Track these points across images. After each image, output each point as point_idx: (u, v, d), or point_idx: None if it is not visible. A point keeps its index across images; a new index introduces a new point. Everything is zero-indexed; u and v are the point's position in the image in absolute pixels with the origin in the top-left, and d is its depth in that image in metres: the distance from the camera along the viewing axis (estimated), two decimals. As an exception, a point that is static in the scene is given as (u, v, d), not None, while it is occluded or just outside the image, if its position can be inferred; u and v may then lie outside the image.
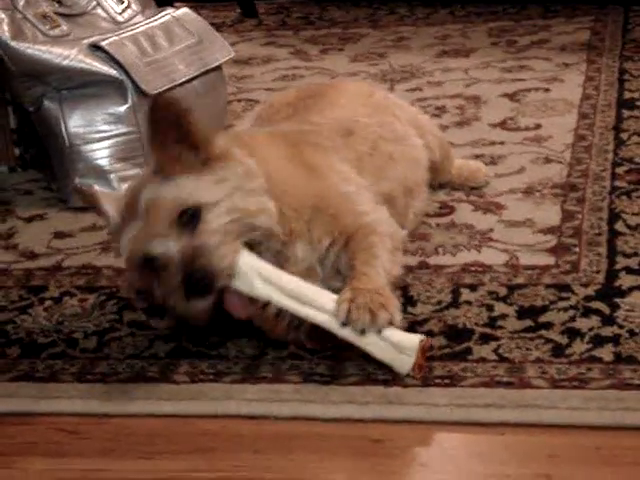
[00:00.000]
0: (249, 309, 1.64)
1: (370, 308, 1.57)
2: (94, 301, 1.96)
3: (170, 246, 1.58)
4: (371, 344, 1.58)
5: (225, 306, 1.62)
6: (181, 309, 1.60)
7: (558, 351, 1.64)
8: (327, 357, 1.69)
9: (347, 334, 1.58)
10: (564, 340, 1.67)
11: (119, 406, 1.64)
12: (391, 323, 1.57)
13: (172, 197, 1.60)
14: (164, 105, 1.61)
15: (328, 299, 1.61)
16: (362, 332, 1.57)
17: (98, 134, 2.38)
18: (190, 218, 1.60)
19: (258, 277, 1.60)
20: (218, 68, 2.68)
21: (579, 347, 1.64)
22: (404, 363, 1.59)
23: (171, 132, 1.61)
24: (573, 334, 1.68)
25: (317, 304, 1.60)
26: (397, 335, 1.59)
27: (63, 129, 2.38)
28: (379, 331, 1.57)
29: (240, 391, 1.63)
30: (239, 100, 3.07)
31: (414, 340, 1.59)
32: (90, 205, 1.74)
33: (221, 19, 4.09)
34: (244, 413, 1.59)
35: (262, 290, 1.61)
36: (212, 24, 3.44)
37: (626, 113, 2.62)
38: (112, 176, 2.39)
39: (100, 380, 1.70)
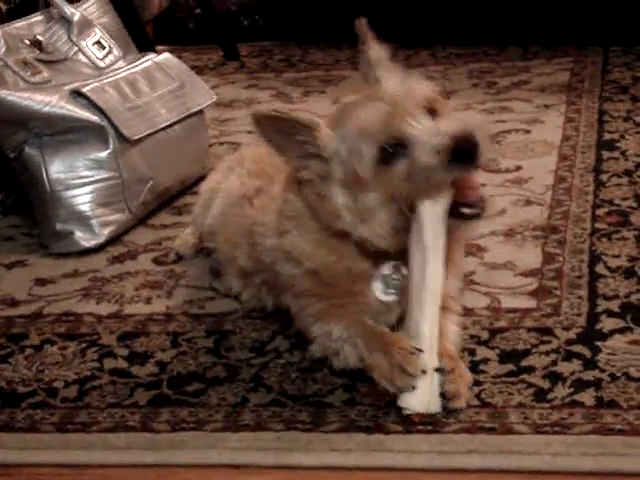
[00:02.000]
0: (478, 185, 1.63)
1: None
2: (75, 349, 1.94)
3: (426, 122, 1.58)
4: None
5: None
6: (437, 175, 1.55)
7: (540, 396, 1.64)
8: (309, 404, 1.69)
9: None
10: (546, 384, 1.67)
11: (99, 456, 1.62)
12: None
13: (415, 87, 1.63)
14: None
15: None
16: None
17: (79, 180, 2.38)
18: (430, 111, 1.62)
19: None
20: (200, 112, 2.70)
21: (561, 391, 1.64)
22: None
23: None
24: (555, 378, 1.68)
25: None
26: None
27: (44, 175, 2.38)
28: None
29: (222, 440, 1.62)
30: (221, 143, 3.07)
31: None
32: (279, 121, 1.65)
33: (203, 62, 4.11)
34: (226, 462, 1.58)
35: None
36: (194, 67, 3.47)
37: (606, 154, 2.64)
38: (94, 221, 2.38)
39: (80, 430, 1.68)
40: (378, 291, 1.74)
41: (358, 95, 1.66)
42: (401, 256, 1.68)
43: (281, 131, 1.62)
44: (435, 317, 1.64)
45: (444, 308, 1.75)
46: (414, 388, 1.60)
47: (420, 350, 1.60)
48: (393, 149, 1.59)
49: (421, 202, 1.60)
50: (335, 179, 1.65)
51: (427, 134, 1.57)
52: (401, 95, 1.61)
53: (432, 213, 1.60)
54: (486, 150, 1.56)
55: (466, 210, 1.62)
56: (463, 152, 1.54)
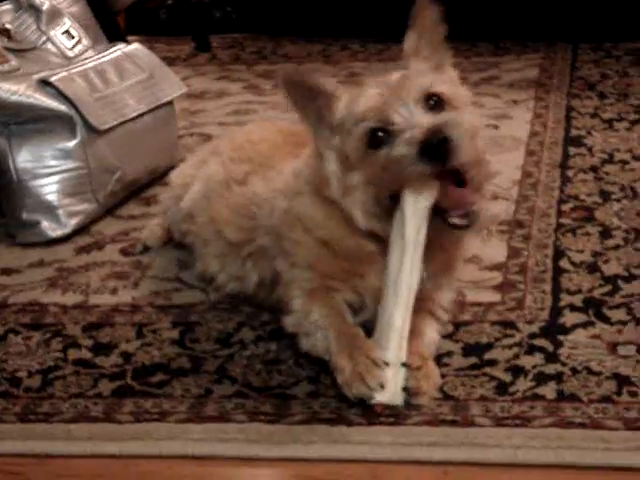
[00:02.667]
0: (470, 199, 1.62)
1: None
2: (39, 339, 1.94)
3: (416, 113, 1.60)
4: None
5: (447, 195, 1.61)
6: (408, 167, 1.57)
7: (502, 389, 1.65)
8: (273, 395, 1.69)
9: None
10: (508, 378, 1.68)
11: (62, 447, 1.62)
12: None
13: (419, 77, 1.64)
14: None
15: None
16: None
17: (46, 169, 2.37)
18: (435, 103, 1.63)
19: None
20: (169, 103, 2.69)
21: (523, 385, 1.65)
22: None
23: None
24: (517, 372, 1.69)
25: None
26: None
27: (11, 164, 2.36)
28: None
29: (185, 431, 1.62)
30: (191, 134, 3.07)
31: None
32: (303, 85, 1.68)
33: (175, 53, 4.10)
34: (189, 453, 1.58)
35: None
36: (166, 58, 3.45)
37: (572, 150, 2.66)
38: (60, 211, 2.37)
39: (43, 420, 1.68)
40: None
41: (373, 78, 1.70)
42: None
43: (303, 92, 1.67)
44: (409, 309, 1.65)
45: (431, 315, 1.77)
46: (370, 399, 1.61)
47: (386, 364, 1.62)
48: (381, 135, 1.62)
49: (404, 193, 1.61)
50: (334, 148, 1.69)
51: (407, 125, 1.59)
52: (401, 84, 1.64)
53: (415, 207, 1.62)
54: (460, 149, 1.56)
55: (452, 219, 1.63)
56: (432, 146, 1.55)
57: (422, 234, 1.64)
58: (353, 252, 1.75)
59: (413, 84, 1.64)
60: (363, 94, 1.66)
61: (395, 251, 1.65)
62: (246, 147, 2.06)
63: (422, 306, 1.74)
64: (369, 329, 1.71)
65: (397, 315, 1.64)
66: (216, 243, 2.00)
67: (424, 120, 1.59)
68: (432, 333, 1.76)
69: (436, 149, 1.56)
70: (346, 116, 1.67)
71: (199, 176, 2.12)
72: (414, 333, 1.70)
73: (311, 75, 1.67)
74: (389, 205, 1.66)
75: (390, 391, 1.62)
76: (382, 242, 1.70)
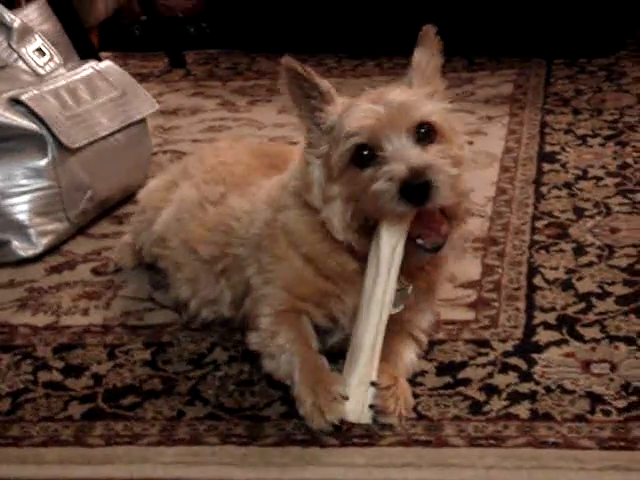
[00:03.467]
0: (444, 230, 1.62)
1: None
2: (9, 361, 1.91)
3: (405, 145, 1.59)
4: None
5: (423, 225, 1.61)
6: (386, 203, 1.56)
7: (476, 408, 1.64)
8: (246, 417, 1.68)
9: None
10: (482, 397, 1.67)
11: (32, 471, 1.60)
12: None
13: (416, 105, 1.63)
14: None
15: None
16: None
17: (17, 188, 2.35)
18: (425, 134, 1.62)
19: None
20: (142, 121, 2.68)
21: (496, 404, 1.65)
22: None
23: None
24: (491, 391, 1.69)
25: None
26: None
27: (-19, 183, 2.34)
28: None
29: (157, 454, 1.61)
30: (165, 152, 3.05)
31: None
32: (301, 78, 1.67)
33: (149, 69, 4.08)
34: (161, 477, 1.56)
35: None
36: (140, 74, 3.45)
37: (546, 166, 2.67)
38: (31, 231, 2.35)
39: (13, 444, 1.66)
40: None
41: (373, 93, 1.69)
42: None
43: (302, 87, 1.67)
44: (380, 330, 1.64)
45: (410, 337, 1.77)
46: (329, 432, 1.60)
47: (346, 398, 1.61)
48: (367, 154, 1.62)
49: (381, 226, 1.61)
50: (321, 155, 1.68)
51: (394, 157, 1.58)
52: (398, 108, 1.62)
53: (390, 230, 1.62)
54: (441, 193, 1.55)
55: (422, 242, 1.62)
56: (413, 188, 1.55)
57: (397, 256, 1.63)
58: (335, 271, 1.74)
59: (410, 112, 1.62)
60: (360, 108, 1.64)
61: (370, 272, 1.65)
62: (219, 168, 2.05)
63: (402, 328, 1.74)
64: (342, 350, 1.70)
65: (367, 335, 1.64)
66: (189, 266, 1.98)
67: (412, 154, 1.59)
68: (410, 354, 1.76)
69: (416, 191, 1.55)
70: (338, 124, 1.65)
71: (171, 199, 2.10)
72: (391, 354, 1.69)
73: (311, 72, 1.67)
74: (363, 223, 1.65)
75: (357, 410, 1.61)
76: (364, 261, 1.69)
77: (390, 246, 1.62)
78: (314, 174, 1.69)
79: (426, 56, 1.72)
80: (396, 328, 1.69)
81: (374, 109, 1.63)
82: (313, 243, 1.74)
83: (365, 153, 1.62)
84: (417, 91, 1.68)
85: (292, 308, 1.75)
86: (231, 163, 2.06)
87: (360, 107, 1.65)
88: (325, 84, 1.68)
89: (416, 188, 1.55)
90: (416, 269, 1.72)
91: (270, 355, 1.73)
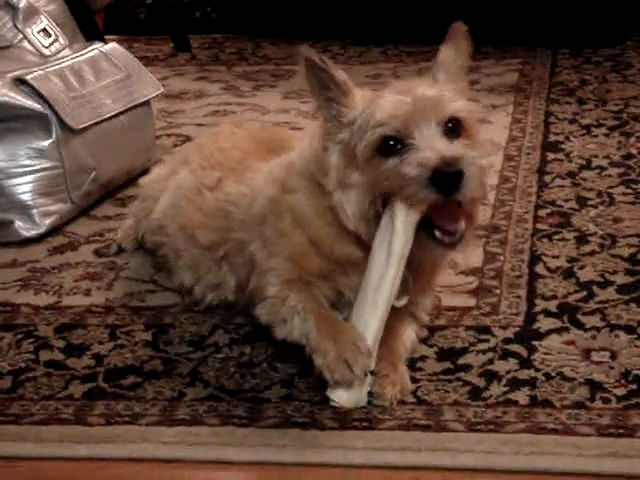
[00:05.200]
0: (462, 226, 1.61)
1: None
2: (10, 340, 1.92)
3: (436, 136, 1.59)
4: None
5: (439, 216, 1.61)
6: (414, 189, 1.56)
7: (475, 394, 1.65)
8: (246, 399, 1.68)
9: None
10: (482, 383, 1.68)
11: (31, 449, 1.60)
12: None
13: (447, 100, 1.63)
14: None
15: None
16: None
17: (21, 169, 2.35)
18: (452, 127, 1.62)
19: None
20: (146, 103, 2.68)
21: (496, 390, 1.65)
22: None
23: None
24: (491, 377, 1.69)
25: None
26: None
27: (-15, 163, 2.34)
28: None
29: (156, 434, 1.61)
30: (169, 135, 3.05)
31: None
32: (318, 68, 1.66)
33: (154, 53, 4.08)
34: (160, 457, 1.57)
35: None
36: (145, 58, 3.45)
37: (550, 156, 2.67)
38: (34, 211, 2.35)
39: (13, 422, 1.66)
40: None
41: (400, 85, 1.69)
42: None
43: (320, 79, 1.66)
44: (383, 322, 1.65)
45: (411, 316, 1.77)
46: (350, 385, 1.60)
47: (370, 353, 1.61)
48: (394, 144, 1.61)
49: (396, 206, 1.60)
50: (341, 141, 1.67)
51: (425, 147, 1.58)
52: (429, 101, 1.62)
53: (406, 221, 1.61)
54: (470, 186, 1.56)
55: (439, 235, 1.62)
56: (444, 176, 1.55)
57: (407, 248, 1.63)
58: (338, 257, 1.73)
59: (440, 105, 1.62)
60: (389, 99, 1.64)
61: (378, 260, 1.64)
62: (217, 155, 2.05)
63: (403, 309, 1.74)
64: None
65: (373, 325, 1.64)
66: (189, 252, 1.97)
67: (442, 145, 1.59)
68: (411, 333, 1.76)
69: (447, 179, 1.55)
70: (363, 115, 1.65)
71: (168, 187, 2.10)
72: (391, 336, 1.70)
73: (329, 63, 1.66)
74: (378, 211, 1.65)
75: (356, 397, 1.62)
76: (369, 250, 1.69)
77: (403, 239, 1.62)
78: (331, 160, 1.68)
79: (452, 54, 1.71)
80: (398, 310, 1.69)
81: (404, 100, 1.62)
82: (319, 227, 1.73)
83: (392, 143, 1.61)
84: (444, 87, 1.68)
85: (299, 278, 1.74)
86: (228, 149, 2.06)
87: (389, 98, 1.64)
88: (342, 75, 1.67)
89: (448, 176, 1.54)
90: (420, 257, 1.71)
91: (282, 320, 1.71)
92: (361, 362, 1.59)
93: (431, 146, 1.58)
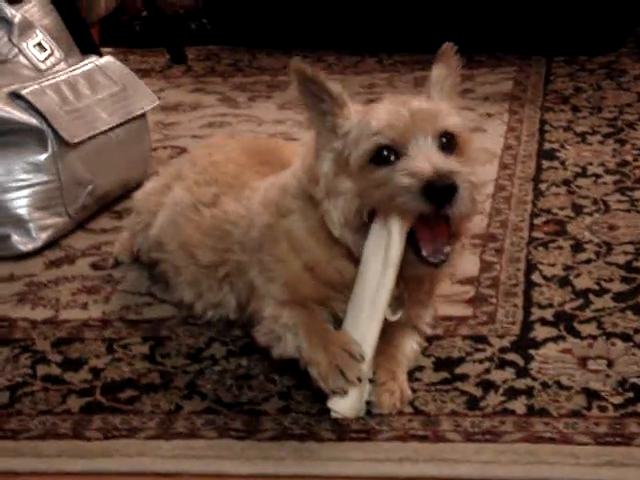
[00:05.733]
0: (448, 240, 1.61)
1: None
2: (8, 354, 1.92)
3: (431, 148, 1.59)
4: None
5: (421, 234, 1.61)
6: (406, 199, 1.56)
7: (472, 404, 1.65)
8: (243, 411, 1.68)
9: None
10: (479, 392, 1.68)
11: (30, 464, 1.60)
12: None
13: (443, 114, 1.64)
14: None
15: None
16: None
17: (17, 183, 2.35)
18: (447, 142, 1.62)
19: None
20: (142, 116, 2.68)
21: (493, 399, 1.66)
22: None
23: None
24: (488, 386, 1.69)
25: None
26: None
27: (-19, 178, 2.34)
28: None
29: (154, 447, 1.61)
30: (165, 147, 3.05)
31: None
32: (311, 81, 1.68)
33: (150, 65, 4.08)
34: (158, 471, 1.57)
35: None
36: (140, 70, 3.46)
37: (545, 164, 2.67)
38: (31, 225, 2.35)
39: (10, 437, 1.66)
40: (386, 311, 1.69)
41: (395, 98, 1.70)
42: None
43: (311, 90, 1.67)
44: (378, 331, 1.65)
45: (412, 328, 1.78)
46: (345, 393, 1.60)
47: (363, 358, 1.61)
48: (387, 154, 1.61)
49: (391, 216, 1.61)
50: (333, 150, 1.68)
51: (419, 159, 1.58)
52: (426, 114, 1.63)
53: (402, 230, 1.61)
54: (462, 202, 1.56)
55: (425, 253, 1.61)
56: (437, 188, 1.55)
57: (400, 259, 1.63)
58: (334, 278, 1.73)
59: (435, 119, 1.63)
60: (385, 109, 1.65)
61: (374, 271, 1.64)
62: (211, 169, 2.04)
63: (404, 321, 1.74)
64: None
65: (371, 336, 1.64)
66: (189, 269, 1.97)
67: (437, 158, 1.59)
68: (413, 344, 1.77)
69: (440, 192, 1.55)
70: (357, 126, 1.65)
71: (165, 203, 2.09)
72: (392, 344, 1.70)
73: (322, 75, 1.67)
74: (365, 221, 1.65)
75: (357, 406, 1.62)
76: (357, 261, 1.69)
77: (400, 247, 1.62)
78: (323, 168, 1.69)
79: (444, 73, 1.73)
80: (398, 322, 1.70)
81: (400, 111, 1.63)
82: (313, 249, 1.74)
83: (386, 154, 1.61)
84: (442, 101, 1.69)
85: (294, 301, 1.75)
86: (222, 162, 2.06)
87: (386, 109, 1.65)
88: (336, 87, 1.68)
89: (440, 189, 1.54)
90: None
91: (277, 338, 1.72)
92: (353, 367, 1.60)
93: (426, 158, 1.58)
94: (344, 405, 1.61)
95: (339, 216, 1.67)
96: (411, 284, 1.71)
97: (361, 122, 1.65)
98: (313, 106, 1.68)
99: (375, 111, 1.66)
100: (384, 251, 1.63)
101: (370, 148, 1.62)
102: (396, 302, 1.68)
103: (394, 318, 1.68)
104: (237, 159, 2.06)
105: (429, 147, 1.60)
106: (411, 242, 1.62)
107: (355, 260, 1.69)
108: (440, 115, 1.64)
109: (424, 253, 1.61)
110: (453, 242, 1.64)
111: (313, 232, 1.73)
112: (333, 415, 1.62)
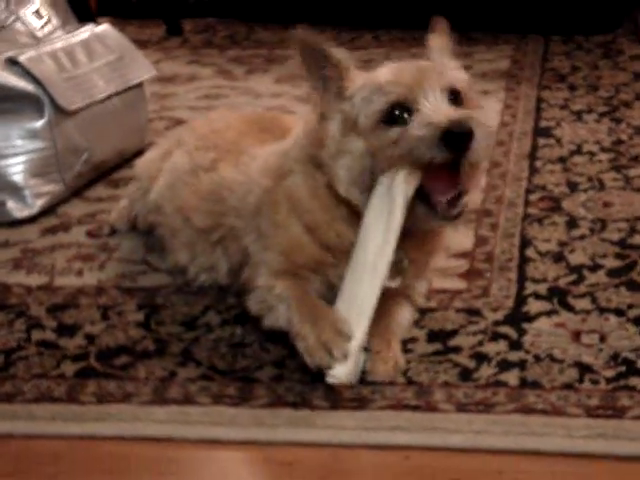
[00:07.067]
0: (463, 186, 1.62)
1: None
2: (2, 319, 1.92)
3: (442, 101, 1.60)
4: None
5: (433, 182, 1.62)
6: (424, 149, 1.57)
7: (465, 375, 1.66)
8: (237, 379, 1.69)
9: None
10: (472, 364, 1.69)
11: (23, 427, 1.61)
12: None
13: (448, 70, 1.68)
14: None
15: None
16: None
17: (13, 149, 2.34)
18: (454, 98, 1.64)
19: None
20: (139, 86, 2.67)
21: (486, 371, 1.66)
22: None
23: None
24: (481, 358, 1.70)
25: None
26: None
27: (-23, 143, 2.34)
28: None
29: (148, 413, 1.62)
30: (161, 118, 3.05)
31: None
32: (314, 48, 1.68)
33: (146, 36, 4.07)
34: (151, 435, 1.58)
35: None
36: (137, 41, 3.42)
37: (541, 141, 2.68)
38: (27, 192, 2.35)
39: (4, 400, 1.67)
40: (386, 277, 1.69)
41: (398, 62, 1.71)
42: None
43: (315, 57, 1.67)
44: (377, 296, 1.65)
45: (407, 298, 1.79)
46: (331, 369, 1.60)
47: (350, 337, 1.61)
48: (399, 112, 1.62)
49: (393, 175, 1.61)
50: (341, 112, 1.68)
51: (432, 110, 1.59)
52: (431, 72, 1.64)
53: (405, 193, 1.61)
54: (480, 146, 1.57)
55: (440, 208, 1.62)
56: (455, 135, 1.55)
57: (401, 223, 1.64)
58: (333, 241, 1.74)
59: (442, 74, 1.65)
60: (393, 68, 1.67)
61: (374, 236, 1.64)
62: (211, 136, 2.06)
63: (399, 291, 1.75)
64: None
65: (373, 296, 1.63)
66: (184, 232, 1.98)
67: (449, 109, 1.60)
68: (406, 314, 1.78)
69: (458, 139, 1.56)
70: (366, 86, 1.66)
71: (165, 168, 2.10)
72: (386, 313, 1.71)
73: (324, 43, 1.67)
74: (372, 180, 1.66)
75: (349, 371, 1.62)
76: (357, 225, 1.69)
77: (402, 210, 1.62)
78: (330, 128, 1.69)
79: (440, 40, 1.76)
80: (393, 291, 1.70)
81: (407, 69, 1.66)
82: (315, 211, 1.74)
83: (397, 113, 1.62)
84: (445, 60, 1.72)
85: (289, 271, 1.76)
86: (222, 130, 2.06)
87: (392, 69, 1.67)
88: (340, 53, 1.68)
89: (459, 135, 1.56)
90: (417, 235, 1.72)
91: (269, 308, 1.73)
92: (340, 345, 1.60)
93: (438, 110, 1.59)
94: (340, 370, 1.62)
95: (347, 175, 1.68)
96: (411, 251, 1.72)
97: (368, 83, 1.66)
98: (316, 73, 1.68)
99: (382, 72, 1.68)
100: (386, 216, 1.63)
101: (381, 108, 1.63)
102: (396, 267, 1.68)
103: (393, 284, 1.69)
104: (237, 127, 2.06)
105: (439, 100, 1.61)
106: (421, 199, 1.63)
107: (355, 225, 1.70)
108: (446, 70, 1.67)
109: (439, 208, 1.62)
110: (465, 194, 1.64)
111: (315, 193, 1.74)
112: (328, 380, 1.62)
